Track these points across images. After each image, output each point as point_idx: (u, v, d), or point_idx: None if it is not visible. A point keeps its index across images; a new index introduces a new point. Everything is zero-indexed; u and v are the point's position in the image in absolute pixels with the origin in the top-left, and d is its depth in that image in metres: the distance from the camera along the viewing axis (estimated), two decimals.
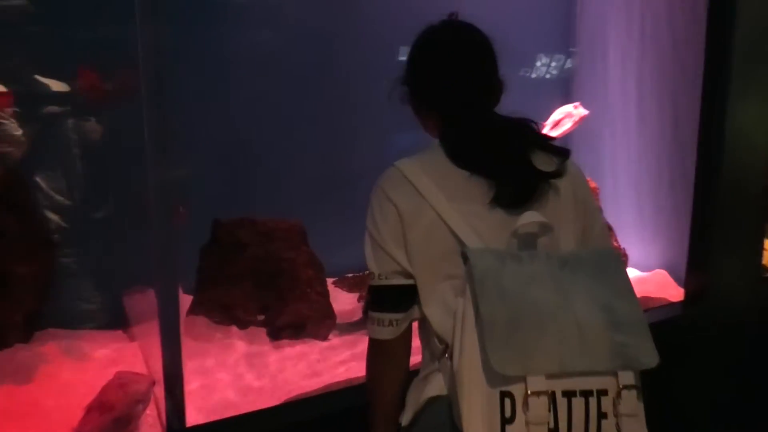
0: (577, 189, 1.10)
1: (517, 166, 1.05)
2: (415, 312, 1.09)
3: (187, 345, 2.20)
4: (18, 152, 2.03)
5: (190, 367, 2.05)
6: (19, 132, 2.00)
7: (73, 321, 2.26)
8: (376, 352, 1.11)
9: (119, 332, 2.29)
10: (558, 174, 1.07)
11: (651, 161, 3.03)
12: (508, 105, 1.15)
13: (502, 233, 1.02)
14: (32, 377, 1.87)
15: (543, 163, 1.07)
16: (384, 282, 1.07)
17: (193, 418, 1.76)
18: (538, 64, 3.29)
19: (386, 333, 1.08)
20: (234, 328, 2.34)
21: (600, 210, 1.19)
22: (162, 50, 1.49)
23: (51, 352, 2.02)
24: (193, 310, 2.41)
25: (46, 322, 2.22)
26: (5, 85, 2.02)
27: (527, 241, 1.01)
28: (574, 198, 1.09)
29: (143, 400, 1.73)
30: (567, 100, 3.06)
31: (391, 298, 1.08)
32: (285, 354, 2.18)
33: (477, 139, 1.07)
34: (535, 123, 1.11)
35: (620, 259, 1.04)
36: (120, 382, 1.73)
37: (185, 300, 2.49)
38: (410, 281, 1.07)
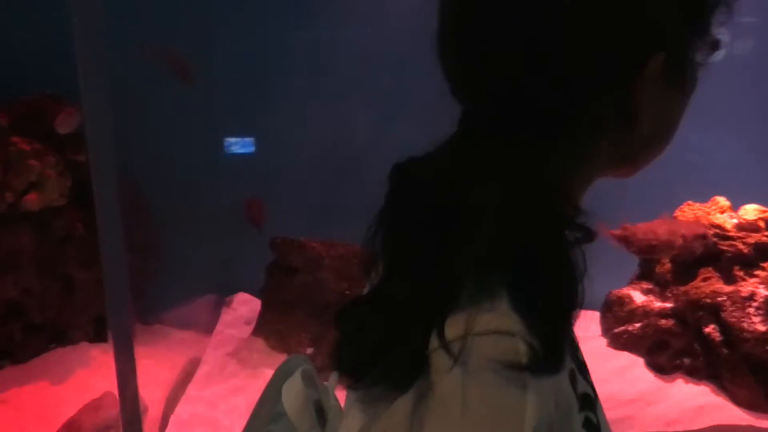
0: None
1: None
2: None
3: (231, 369, 2.13)
4: None
5: (207, 395, 1.96)
6: None
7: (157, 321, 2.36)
8: None
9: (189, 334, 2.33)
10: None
11: None
12: None
13: None
14: (66, 378, 1.96)
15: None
16: None
17: None
18: None
19: None
20: (285, 357, 2.18)
21: None
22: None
23: (100, 355, 2.11)
24: (255, 331, 2.31)
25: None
26: None
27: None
28: None
29: (114, 426, 1.67)
30: None
31: None
32: None
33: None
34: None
35: None
36: (97, 404, 1.70)
37: None
38: None
